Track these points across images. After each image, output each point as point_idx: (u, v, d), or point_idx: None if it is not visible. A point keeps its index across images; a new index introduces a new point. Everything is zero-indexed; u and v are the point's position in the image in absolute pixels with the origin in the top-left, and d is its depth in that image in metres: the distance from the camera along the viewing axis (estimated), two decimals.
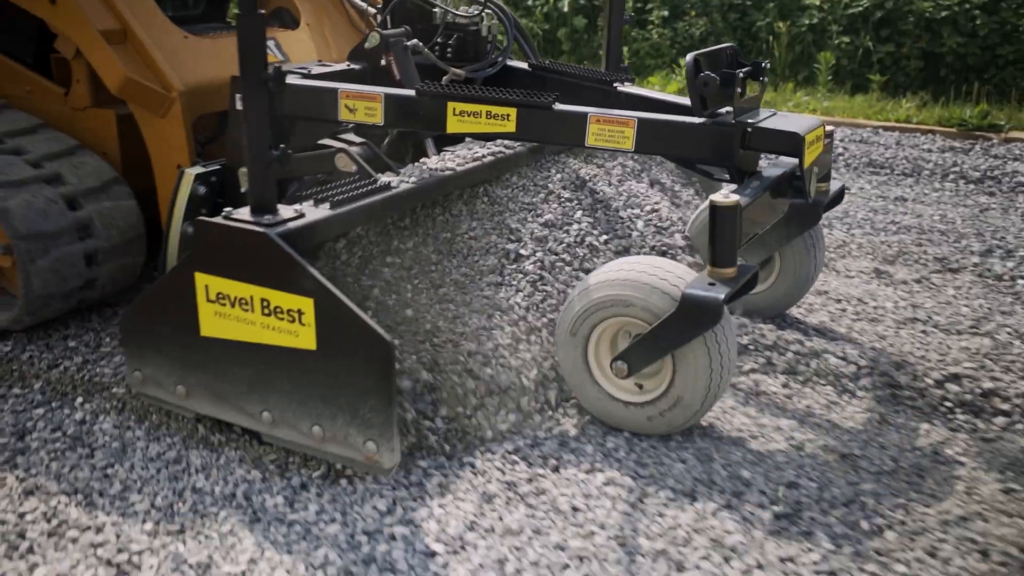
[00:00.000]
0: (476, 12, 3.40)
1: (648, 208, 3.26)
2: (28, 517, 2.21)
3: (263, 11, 2.38)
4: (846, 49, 7.74)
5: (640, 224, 3.19)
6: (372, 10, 3.94)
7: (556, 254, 2.95)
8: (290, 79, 2.77)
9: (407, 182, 2.71)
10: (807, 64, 7.97)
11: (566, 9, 8.99)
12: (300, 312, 2.22)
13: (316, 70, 3.10)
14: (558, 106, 2.67)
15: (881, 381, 2.82)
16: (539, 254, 2.91)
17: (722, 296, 2.28)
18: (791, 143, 2.56)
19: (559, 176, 3.29)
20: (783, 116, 2.71)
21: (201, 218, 2.34)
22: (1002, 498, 2.25)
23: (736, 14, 8.34)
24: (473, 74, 3.39)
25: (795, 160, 2.61)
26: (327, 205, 2.43)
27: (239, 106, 2.85)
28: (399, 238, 2.77)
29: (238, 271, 2.27)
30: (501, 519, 2.15)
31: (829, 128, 2.99)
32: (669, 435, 2.51)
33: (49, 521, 2.20)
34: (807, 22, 8.00)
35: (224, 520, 2.18)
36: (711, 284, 2.33)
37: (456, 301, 2.69)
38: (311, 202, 2.44)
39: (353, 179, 2.75)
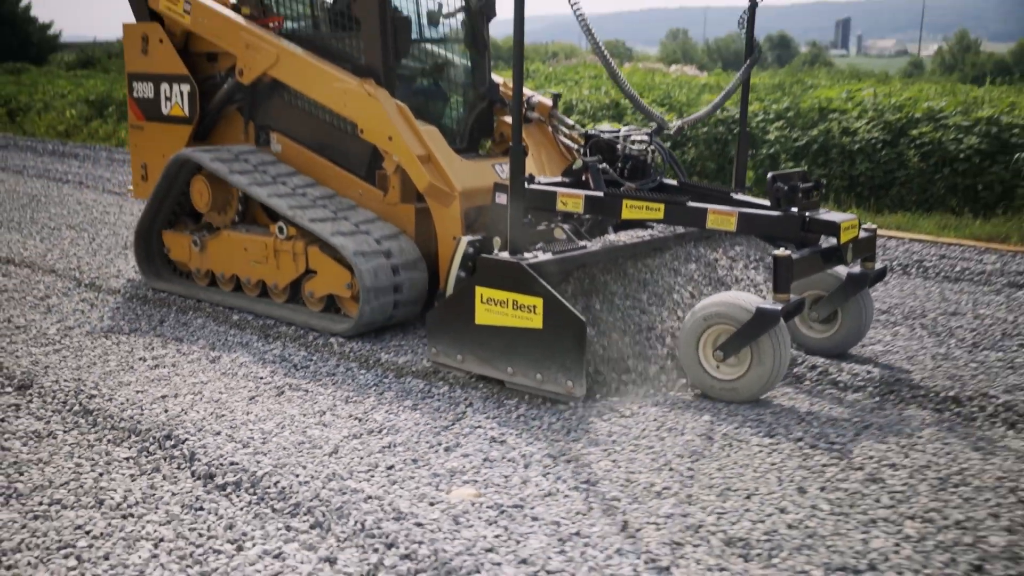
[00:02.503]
0: (644, 147, 5.23)
1: (744, 276, 4.91)
2: (155, 342, 5.16)
3: (526, 146, 4.28)
4: None
5: (738, 285, 4.84)
6: (575, 146, 5.87)
7: (684, 296, 4.64)
8: (531, 185, 4.67)
9: (595, 246, 4.51)
10: (760, 184, 10.07)
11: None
12: (534, 306, 4.01)
13: (544, 180, 4.99)
14: (690, 203, 4.42)
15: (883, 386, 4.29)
16: (674, 295, 4.62)
17: (779, 309, 3.90)
18: (832, 228, 4.19)
19: (694, 253, 4.99)
20: (832, 213, 4.34)
21: (483, 255, 4.20)
22: (935, 432, 3.69)
23: (718, 145, 10.60)
24: (641, 187, 5.19)
25: (835, 239, 4.22)
26: (550, 253, 4.26)
27: (498, 200, 4.76)
28: (591, 278, 4.54)
29: (501, 284, 4.10)
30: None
31: (872, 226, 4.58)
32: (745, 402, 4.08)
33: (174, 341, 5.17)
34: (765, 151, 10.20)
35: (231, 349, 5.02)
36: (774, 304, 3.96)
37: (620, 316, 4.42)
38: (541, 251, 4.27)
39: (564, 243, 4.57)
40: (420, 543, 2.89)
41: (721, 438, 3.70)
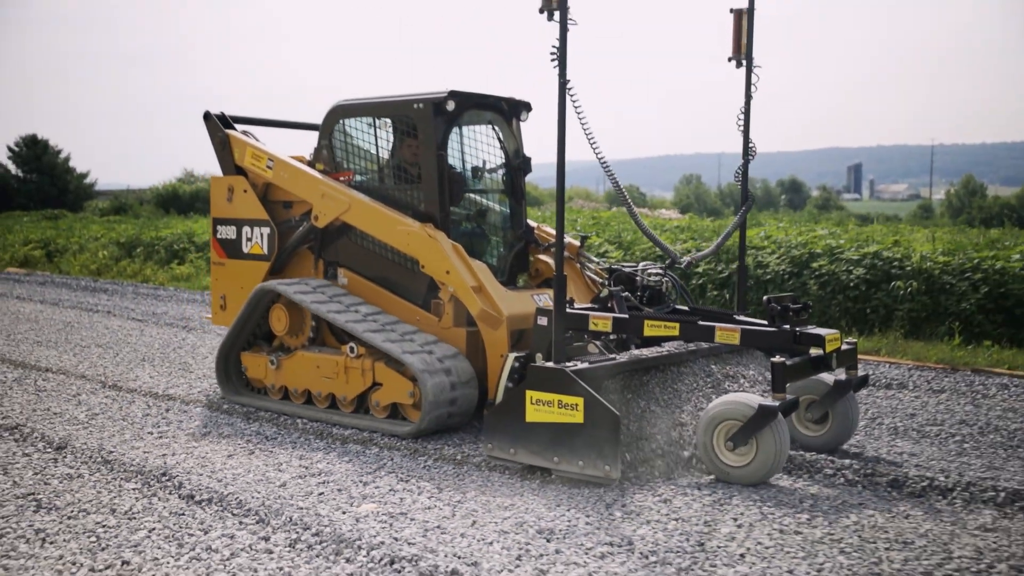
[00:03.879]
0: (659, 279, 6.22)
1: (746, 386, 5.81)
2: (160, 423, 6.53)
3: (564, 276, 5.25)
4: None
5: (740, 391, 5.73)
6: (599, 279, 6.87)
7: (697, 399, 5.53)
8: (568, 309, 5.62)
9: (622, 358, 5.43)
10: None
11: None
12: (576, 404, 4.89)
13: (578, 306, 5.95)
14: (700, 322, 5.36)
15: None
16: (688, 399, 5.51)
17: (777, 405, 4.78)
18: (818, 340, 5.12)
19: (705, 367, 5.91)
20: (819, 328, 5.27)
21: (533, 364, 5.11)
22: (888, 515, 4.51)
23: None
24: (657, 311, 6.14)
25: (821, 349, 5.14)
26: (586, 363, 5.17)
27: (540, 322, 5.71)
28: (621, 384, 5.44)
29: (548, 387, 4.99)
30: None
31: (853, 340, 5.51)
32: (753, 485, 4.90)
33: (176, 422, 6.55)
34: (696, 282, 11.58)
35: (219, 427, 6.41)
36: (773, 401, 4.84)
37: (645, 413, 5.29)
38: (579, 361, 5.19)
39: (597, 355, 5.49)
40: (326, 527, 4.34)
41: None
